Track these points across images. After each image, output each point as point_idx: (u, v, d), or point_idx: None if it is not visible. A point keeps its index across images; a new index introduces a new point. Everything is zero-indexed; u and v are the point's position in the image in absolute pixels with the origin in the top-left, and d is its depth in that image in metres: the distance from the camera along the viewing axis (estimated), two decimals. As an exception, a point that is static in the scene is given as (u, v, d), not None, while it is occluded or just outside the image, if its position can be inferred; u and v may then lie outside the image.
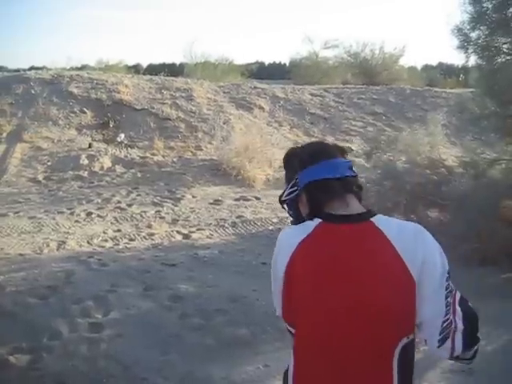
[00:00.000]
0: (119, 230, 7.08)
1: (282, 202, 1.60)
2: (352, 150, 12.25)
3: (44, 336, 4.06)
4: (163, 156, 11.00)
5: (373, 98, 16.17)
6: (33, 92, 13.26)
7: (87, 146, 11.25)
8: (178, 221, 7.58)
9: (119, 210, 8.05)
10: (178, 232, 7.07)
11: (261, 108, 14.17)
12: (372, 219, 1.42)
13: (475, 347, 1.41)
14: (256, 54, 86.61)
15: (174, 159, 10.85)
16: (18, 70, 18.43)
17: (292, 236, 1.45)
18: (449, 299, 1.37)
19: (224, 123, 12.55)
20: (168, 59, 31.70)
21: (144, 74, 18.06)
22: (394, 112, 15.21)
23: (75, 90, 13.57)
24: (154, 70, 20.92)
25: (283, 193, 1.57)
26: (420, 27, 68.57)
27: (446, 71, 29.41)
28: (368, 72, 22.20)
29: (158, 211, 8.01)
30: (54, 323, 4.27)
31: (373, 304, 1.33)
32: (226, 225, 7.41)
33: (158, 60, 43.11)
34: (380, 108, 15.36)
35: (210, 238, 6.92)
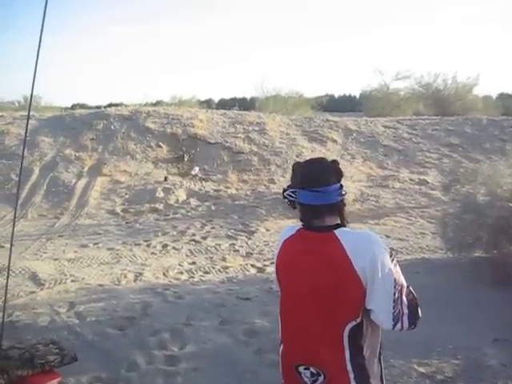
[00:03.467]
0: (194, 263, 7.15)
1: (284, 196, 2.03)
2: (427, 182, 11.95)
3: (122, 367, 4.11)
4: (237, 189, 11.11)
5: (448, 128, 15.77)
6: (112, 128, 13.83)
7: (163, 179, 11.55)
8: (252, 254, 7.57)
9: (194, 243, 8.15)
10: (252, 265, 7.05)
11: (333, 141, 14.11)
12: (335, 230, 1.87)
13: (416, 322, 1.90)
14: (326, 86, 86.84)
15: (248, 192, 10.93)
16: (98, 107, 19.27)
17: (284, 234, 2.05)
18: (396, 294, 1.81)
19: (297, 156, 12.57)
20: (238, 94, 32.34)
21: (216, 108, 18.42)
22: (470, 143, 14.74)
23: (152, 125, 14.05)
24: (225, 104, 21.36)
25: (287, 189, 2.01)
26: (494, 54, 66.80)
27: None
28: (440, 102, 21.71)
29: (232, 244, 8.04)
30: (131, 354, 4.32)
31: (322, 288, 1.82)
32: (300, 258, 7.32)
33: (228, 95, 44.07)
34: (456, 139, 14.94)
35: (284, 271, 6.84)
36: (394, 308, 1.81)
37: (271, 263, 7.14)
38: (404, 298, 1.84)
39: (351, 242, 1.83)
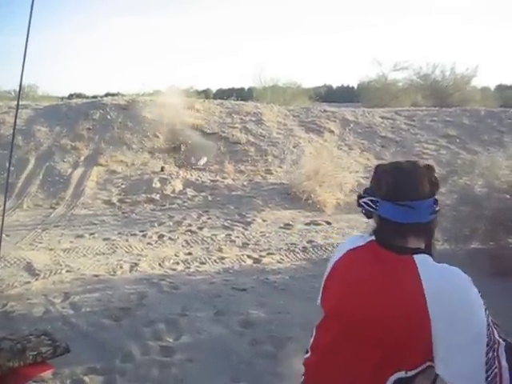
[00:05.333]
0: (190, 253, 7.12)
1: (359, 204, 1.65)
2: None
3: (117, 358, 4.10)
4: (233, 180, 11.07)
5: (446, 120, 15.72)
6: (109, 117, 13.75)
7: (159, 169, 11.50)
8: (248, 245, 7.54)
9: (190, 233, 8.12)
10: (248, 256, 7.02)
11: (331, 131, 14.07)
12: (415, 256, 1.49)
13: None
14: (323, 77, 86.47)
15: (244, 183, 10.90)
16: (95, 97, 19.17)
17: (350, 242, 1.71)
18: (489, 354, 1.37)
19: (294, 147, 12.54)
20: (236, 84, 32.19)
21: (213, 98, 18.34)
22: (468, 134, 14.70)
23: (148, 115, 13.96)
24: (223, 94, 21.26)
25: (363, 196, 1.62)
26: (493, 46, 66.57)
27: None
28: (439, 94, 21.62)
29: (229, 235, 8.01)
30: (126, 345, 4.30)
31: (380, 319, 1.45)
32: (297, 249, 7.31)
33: (226, 85, 43.85)
34: (453, 130, 14.90)
35: (281, 262, 6.83)
36: (486, 372, 1.37)
37: (267, 254, 7.12)
38: (502, 360, 1.40)
39: (433, 278, 1.44)
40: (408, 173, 1.55)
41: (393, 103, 20.76)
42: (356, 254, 1.64)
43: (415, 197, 1.50)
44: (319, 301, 1.75)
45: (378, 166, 1.64)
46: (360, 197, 1.64)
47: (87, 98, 20.93)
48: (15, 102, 16.05)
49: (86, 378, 3.78)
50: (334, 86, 40.16)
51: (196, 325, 4.72)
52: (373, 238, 1.62)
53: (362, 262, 1.60)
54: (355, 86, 30.69)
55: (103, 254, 7.11)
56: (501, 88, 29.98)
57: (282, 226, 8.55)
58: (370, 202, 1.58)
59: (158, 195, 10.30)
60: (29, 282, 5.83)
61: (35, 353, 2.36)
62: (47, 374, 2.38)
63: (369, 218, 1.64)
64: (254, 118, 14.22)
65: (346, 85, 39.20)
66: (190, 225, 8.57)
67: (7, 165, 11.36)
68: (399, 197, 1.51)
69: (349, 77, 66.13)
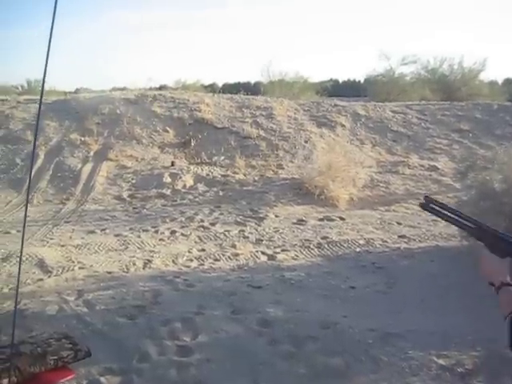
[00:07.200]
0: (203, 250, 7.02)
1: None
2: (437, 168, 11.78)
3: (134, 358, 4.02)
4: (245, 175, 10.96)
5: (457, 114, 15.51)
6: (118, 112, 13.65)
7: (170, 164, 11.41)
8: (262, 241, 7.43)
9: (202, 229, 8.01)
10: (262, 253, 6.91)
11: (342, 126, 13.91)
12: None
13: None
14: (330, 71, 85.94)
15: (256, 178, 10.78)
16: (104, 91, 19.07)
17: None
18: None
19: (305, 141, 12.41)
20: (242, 78, 32.02)
21: (220, 92, 18.16)
22: (480, 129, 14.49)
23: (158, 110, 13.87)
24: (229, 88, 21.12)
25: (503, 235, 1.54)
26: (502, 39, 65.95)
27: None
28: (446, 88, 21.40)
29: (242, 231, 7.90)
30: (142, 345, 4.22)
31: None
32: (312, 246, 7.19)
33: (232, 79, 43.66)
34: (466, 125, 14.69)
35: (296, 259, 6.73)
36: None
37: (282, 250, 7.02)
38: None
39: None
40: None
41: (401, 98, 20.55)
42: None
43: None
44: None
45: None
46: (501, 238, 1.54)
47: (93, 92, 20.86)
48: (23, 97, 16.00)
49: (103, 379, 3.70)
50: (340, 80, 39.97)
51: (213, 324, 4.63)
52: None
53: None
54: (362, 81, 30.42)
55: (115, 250, 7.02)
56: (508, 82, 29.68)
57: (295, 221, 8.43)
58: None
59: (169, 190, 10.21)
60: (41, 280, 5.76)
61: (56, 357, 2.29)
62: (68, 380, 2.28)
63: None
64: (264, 113, 14.08)
65: (352, 79, 38.99)
66: (202, 220, 8.47)
67: (17, 160, 11.32)
68: None
69: (355, 71, 65.73)
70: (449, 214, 1.67)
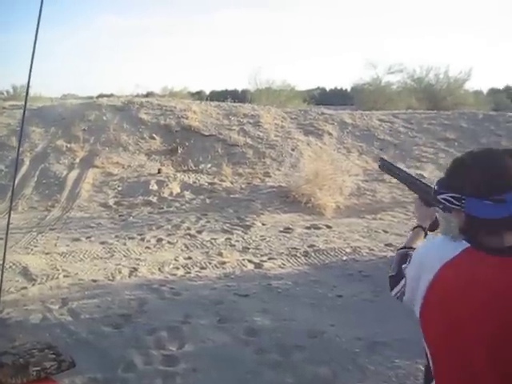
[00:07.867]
0: (190, 258, 6.98)
1: (437, 200, 1.48)
2: (424, 177, 11.83)
3: (119, 367, 3.97)
4: (231, 182, 10.93)
5: (443, 123, 15.62)
6: (104, 118, 13.58)
7: (156, 171, 11.35)
8: (248, 249, 7.40)
9: (189, 237, 7.97)
10: (249, 261, 6.88)
11: (329, 134, 13.94)
12: None
13: None
14: (317, 78, 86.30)
15: (243, 186, 10.75)
16: (91, 97, 18.98)
17: (440, 254, 1.41)
18: None
19: (292, 150, 12.41)
20: (230, 86, 32.08)
21: (207, 100, 18.15)
22: (466, 138, 14.58)
23: (145, 117, 13.81)
24: (216, 96, 21.09)
25: (440, 191, 1.47)
26: (486, 49, 66.81)
27: (513, 95, 28.35)
28: (432, 97, 21.60)
29: (228, 239, 7.86)
30: (128, 354, 4.17)
31: (502, 334, 1.28)
32: (298, 254, 7.18)
33: (219, 86, 43.75)
34: (452, 134, 14.79)
35: (282, 267, 6.70)
36: None
37: (269, 259, 7.00)
38: None
39: None
40: (498, 163, 1.39)
41: (387, 106, 20.69)
42: (456, 265, 1.38)
43: (505, 189, 1.34)
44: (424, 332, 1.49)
45: (458, 160, 1.47)
46: (437, 192, 1.47)
47: (80, 98, 20.77)
48: (8, 103, 15.86)
49: (88, 390, 3.65)
50: (327, 88, 40.24)
51: (199, 333, 4.59)
52: (457, 248, 1.40)
53: (467, 273, 1.37)
54: (348, 89, 30.64)
55: (101, 258, 6.95)
56: (493, 91, 30.06)
57: (281, 229, 8.41)
58: (452, 200, 1.41)
59: (156, 198, 10.15)
60: (25, 288, 5.68)
61: (39, 368, 2.23)
62: (51, 391, 2.23)
63: (449, 212, 1.47)
64: (251, 120, 14.08)
65: (339, 87, 39.27)
66: (188, 228, 8.42)
67: (1, 166, 11.19)
68: (492, 192, 1.34)
69: (342, 79, 66.17)
70: (397, 172, 2.05)
